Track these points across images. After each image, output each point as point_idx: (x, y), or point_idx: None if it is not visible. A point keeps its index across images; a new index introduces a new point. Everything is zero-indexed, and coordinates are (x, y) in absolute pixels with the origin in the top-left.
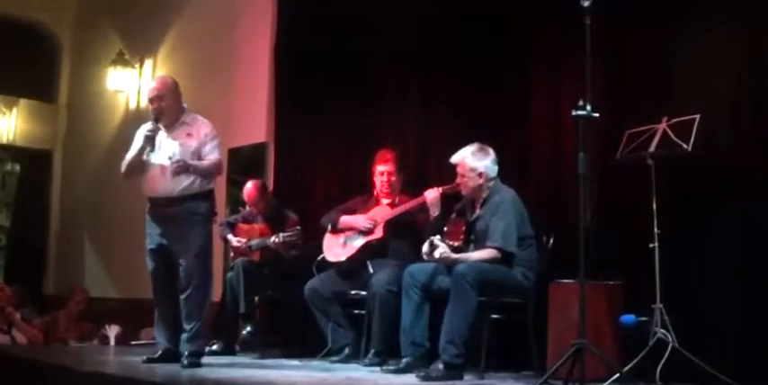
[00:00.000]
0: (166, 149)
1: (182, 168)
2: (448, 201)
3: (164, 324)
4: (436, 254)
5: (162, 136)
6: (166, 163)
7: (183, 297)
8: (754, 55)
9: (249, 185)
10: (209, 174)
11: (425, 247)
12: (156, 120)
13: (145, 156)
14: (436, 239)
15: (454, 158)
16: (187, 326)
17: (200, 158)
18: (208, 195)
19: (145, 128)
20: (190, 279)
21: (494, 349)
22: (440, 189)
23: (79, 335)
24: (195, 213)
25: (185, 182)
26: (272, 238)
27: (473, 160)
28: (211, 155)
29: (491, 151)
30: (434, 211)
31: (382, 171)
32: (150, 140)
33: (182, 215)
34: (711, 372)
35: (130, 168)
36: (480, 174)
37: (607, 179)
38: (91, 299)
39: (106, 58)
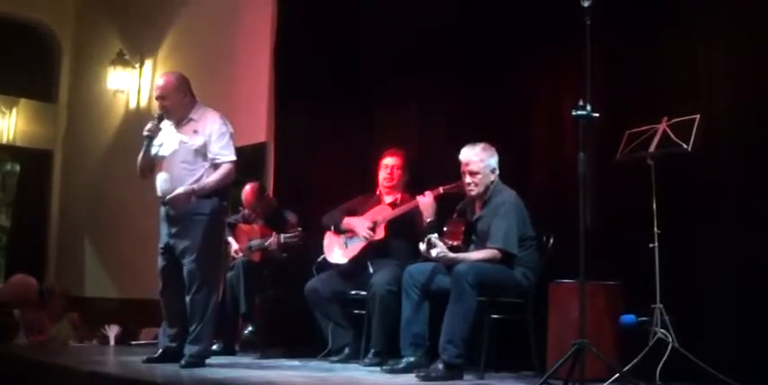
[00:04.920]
0: (171, 146)
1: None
2: (447, 201)
3: (169, 322)
4: (433, 253)
5: (170, 132)
6: (169, 158)
7: (187, 299)
8: (754, 55)
9: (247, 188)
10: (218, 188)
11: (423, 245)
12: (160, 119)
13: (152, 153)
14: (434, 237)
15: (464, 156)
16: (190, 328)
17: (205, 156)
18: (212, 194)
19: (146, 127)
20: (192, 280)
21: (494, 349)
22: (441, 188)
23: (74, 333)
24: (198, 213)
25: (188, 181)
26: (270, 240)
27: (486, 156)
28: (221, 156)
29: (495, 150)
30: (428, 216)
31: (387, 164)
32: (149, 140)
33: (185, 215)
34: (711, 372)
35: (142, 168)
36: (493, 171)
37: (607, 179)
38: (82, 298)
39: (106, 58)
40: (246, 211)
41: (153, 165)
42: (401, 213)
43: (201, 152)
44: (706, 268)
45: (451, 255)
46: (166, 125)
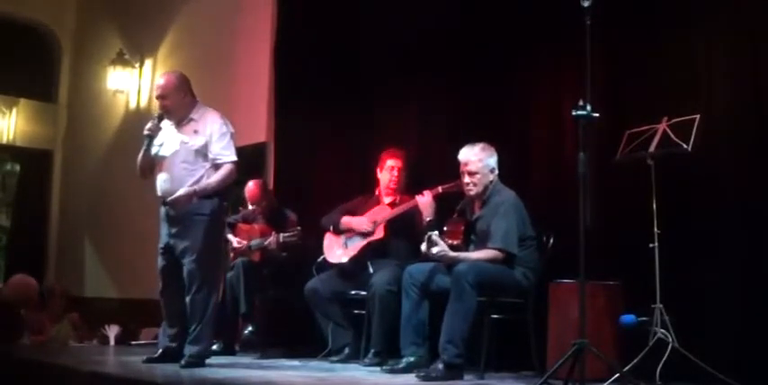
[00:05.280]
0: (172, 147)
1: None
2: (447, 200)
3: (169, 322)
4: (434, 250)
5: (171, 132)
6: (170, 159)
7: (187, 299)
8: (754, 55)
9: (251, 185)
10: (220, 187)
11: (423, 245)
12: (160, 119)
13: (152, 153)
14: (435, 235)
15: (463, 156)
16: (189, 328)
17: (205, 157)
18: (212, 195)
19: (146, 127)
20: (192, 281)
21: (494, 349)
22: (440, 187)
23: (74, 333)
24: (198, 213)
25: (188, 182)
26: (269, 239)
27: (485, 156)
28: (222, 156)
29: (494, 150)
30: (427, 215)
31: (392, 166)
32: (149, 139)
33: (185, 215)
34: (711, 372)
35: (142, 168)
36: (492, 170)
37: (607, 179)
38: (82, 298)
39: (106, 58)
40: (248, 210)
41: (153, 164)
42: (400, 213)
43: (202, 152)
44: (706, 268)
45: (452, 253)
46: (166, 125)
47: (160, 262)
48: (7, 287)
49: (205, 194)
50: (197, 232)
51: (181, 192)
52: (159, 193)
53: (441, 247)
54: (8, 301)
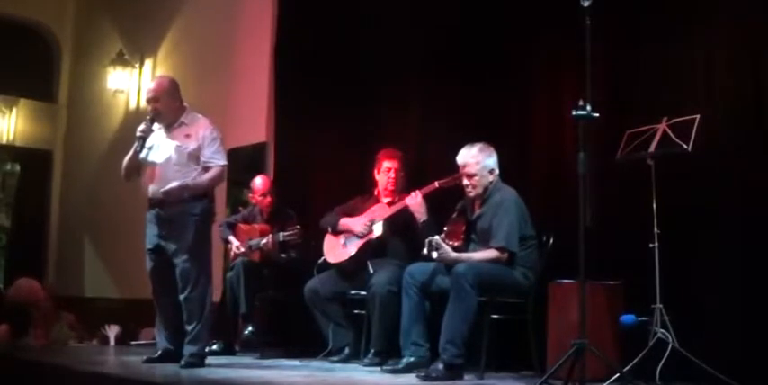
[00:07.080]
0: (164, 150)
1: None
2: (447, 199)
3: (163, 324)
4: (434, 255)
5: (161, 136)
6: (162, 162)
7: (182, 298)
8: (754, 55)
9: (261, 178)
10: (210, 188)
11: (425, 249)
12: (152, 121)
13: (141, 156)
14: (435, 240)
15: (461, 159)
16: (188, 328)
17: (197, 160)
18: (203, 195)
19: (139, 128)
20: (186, 280)
21: (494, 349)
22: (436, 183)
23: (73, 332)
24: (190, 213)
25: (180, 182)
26: (264, 240)
27: (483, 157)
28: (213, 160)
29: (493, 150)
30: (420, 217)
31: (389, 167)
32: (141, 141)
33: (176, 215)
34: (711, 372)
35: (128, 170)
36: (491, 171)
37: (607, 179)
38: (82, 298)
39: (106, 58)
40: (248, 210)
41: (139, 167)
42: (398, 213)
43: (194, 155)
44: (706, 268)
45: (454, 254)
46: (156, 129)
47: (149, 264)
48: (14, 290)
49: (196, 191)
50: (188, 232)
51: (174, 184)
52: (149, 195)
53: (442, 251)
54: (19, 303)
